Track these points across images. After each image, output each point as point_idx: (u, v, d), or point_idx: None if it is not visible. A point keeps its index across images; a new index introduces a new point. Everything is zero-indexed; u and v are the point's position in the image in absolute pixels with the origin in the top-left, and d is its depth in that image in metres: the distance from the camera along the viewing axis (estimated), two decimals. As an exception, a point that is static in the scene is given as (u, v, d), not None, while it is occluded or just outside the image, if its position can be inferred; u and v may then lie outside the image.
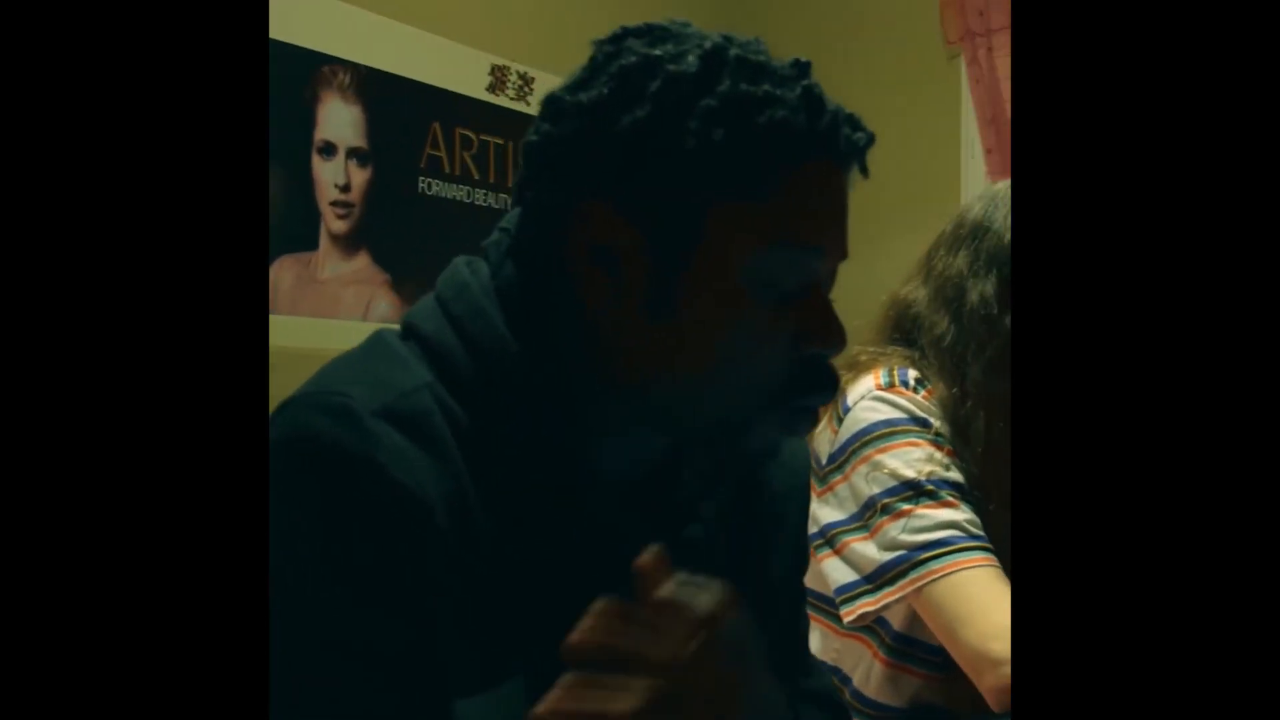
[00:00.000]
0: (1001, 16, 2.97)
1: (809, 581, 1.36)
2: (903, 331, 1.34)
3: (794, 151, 0.69)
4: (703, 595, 0.60)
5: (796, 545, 0.94)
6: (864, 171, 0.75)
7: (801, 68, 0.71)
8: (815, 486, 1.35)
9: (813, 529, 1.32)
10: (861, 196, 0.76)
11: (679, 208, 0.69)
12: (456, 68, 3.15)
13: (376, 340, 0.75)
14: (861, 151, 0.73)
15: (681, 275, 0.69)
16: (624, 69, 0.70)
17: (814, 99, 0.70)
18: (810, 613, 1.38)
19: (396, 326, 0.77)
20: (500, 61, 3.22)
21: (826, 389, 0.73)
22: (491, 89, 3.22)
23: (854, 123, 0.72)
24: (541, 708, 0.54)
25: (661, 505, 0.77)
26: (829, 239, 0.72)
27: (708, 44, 0.70)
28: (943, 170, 3.39)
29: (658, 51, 0.70)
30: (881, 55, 3.46)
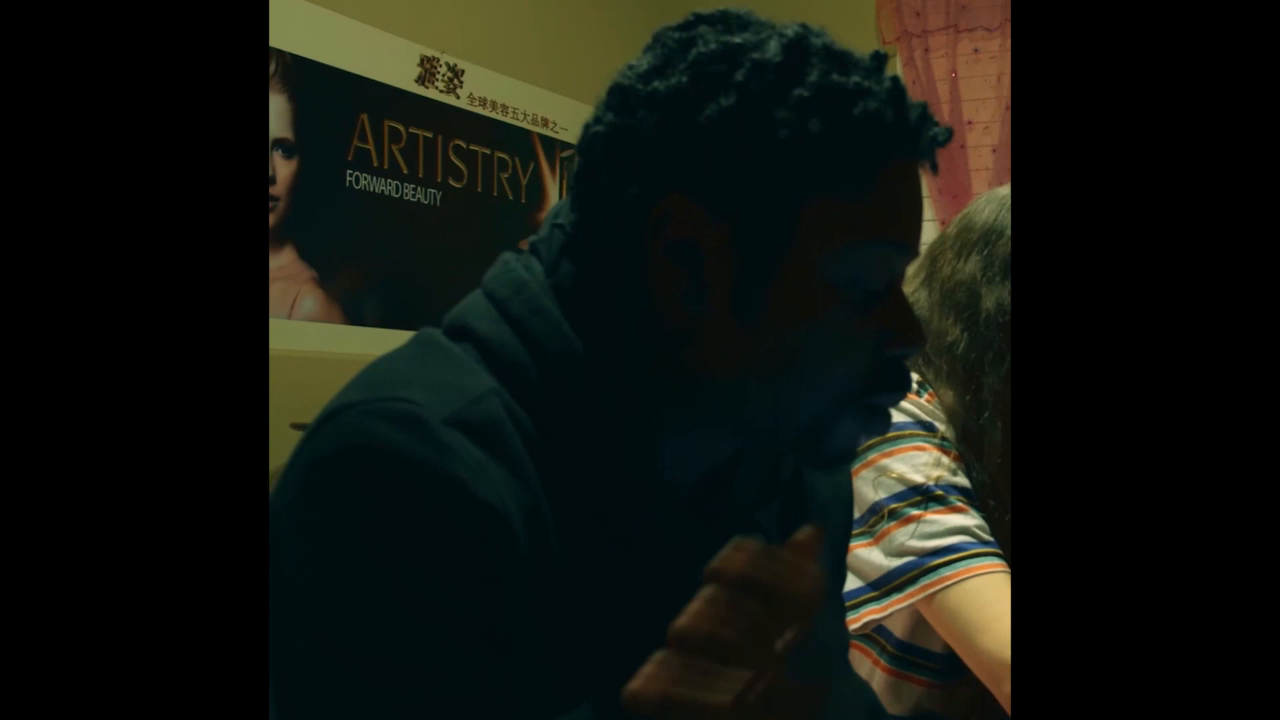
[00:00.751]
0: (939, 17, 3.00)
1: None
2: None
3: (885, 145, 0.67)
4: (802, 584, 0.57)
5: (839, 554, 0.92)
6: (934, 168, 0.73)
7: (881, 60, 0.69)
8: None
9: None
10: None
11: (770, 202, 0.66)
12: (385, 58, 3.09)
13: (427, 341, 0.70)
14: (937, 147, 0.71)
15: (771, 274, 0.67)
16: (702, 56, 0.66)
17: (900, 92, 0.68)
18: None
19: (437, 328, 0.73)
20: (430, 53, 3.15)
21: (902, 388, 0.71)
22: (421, 80, 3.16)
23: (933, 118, 0.71)
24: (636, 684, 0.52)
25: (722, 514, 0.74)
26: (913, 236, 0.71)
27: (790, 32, 0.68)
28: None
29: (737, 39, 0.67)
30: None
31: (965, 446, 1.21)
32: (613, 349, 0.68)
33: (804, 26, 0.69)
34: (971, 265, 1.22)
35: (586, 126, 0.71)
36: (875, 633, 1.27)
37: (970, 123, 3.36)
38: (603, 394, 0.67)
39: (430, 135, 3.19)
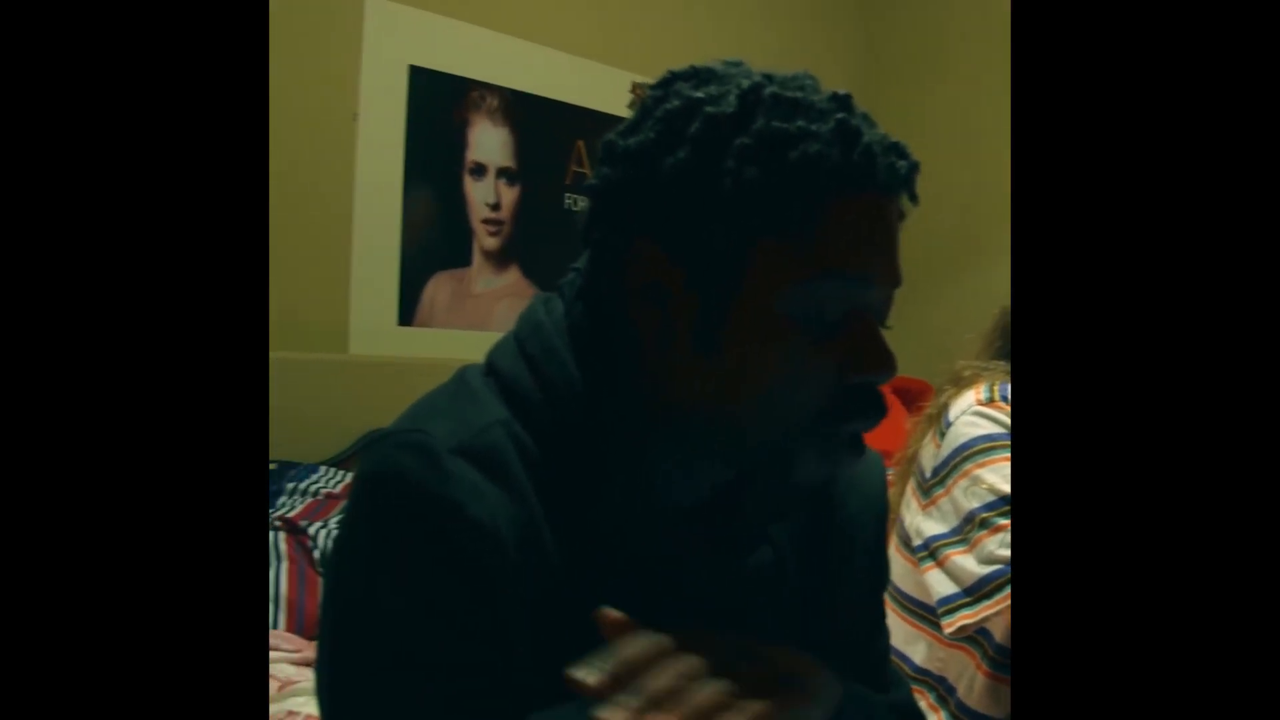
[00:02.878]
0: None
1: (914, 592, 1.40)
2: (1009, 345, 1.35)
3: (829, 185, 0.69)
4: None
5: (873, 564, 0.94)
6: (913, 199, 0.75)
7: (840, 101, 0.71)
8: (919, 499, 1.37)
9: (917, 541, 1.35)
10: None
11: (720, 245, 0.70)
12: (598, 86, 3.26)
13: (461, 378, 0.79)
14: (905, 179, 0.72)
15: (726, 309, 0.71)
16: (668, 113, 0.72)
17: (849, 131, 0.69)
18: (916, 623, 1.41)
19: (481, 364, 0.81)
20: (640, 79, 3.31)
21: (872, 415, 0.74)
22: (632, 105, 3.31)
23: (898, 151, 0.72)
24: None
25: (727, 531, 0.79)
26: (875, 267, 0.72)
27: (746, 83, 0.71)
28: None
29: (700, 94, 0.71)
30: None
31: None
32: (611, 382, 0.74)
33: (766, 76, 0.72)
34: None
35: (586, 179, 0.78)
36: (976, 636, 1.30)
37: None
38: (601, 423, 0.74)
39: (642, 156, 3.35)
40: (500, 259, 3.07)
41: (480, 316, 3.03)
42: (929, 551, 1.31)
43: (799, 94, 0.71)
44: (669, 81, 0.75)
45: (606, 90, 3.28)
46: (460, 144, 2.98)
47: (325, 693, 0.73)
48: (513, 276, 3.09)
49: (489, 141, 3.03)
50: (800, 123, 0.69)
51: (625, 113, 3.15)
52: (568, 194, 3.20)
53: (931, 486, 1.32)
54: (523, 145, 3.09)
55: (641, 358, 0.75)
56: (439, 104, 2.92)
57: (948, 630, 1.25)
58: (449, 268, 2.98)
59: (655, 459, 0.74)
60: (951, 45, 3.88)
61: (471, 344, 2.97)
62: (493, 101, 3.03)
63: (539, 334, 0.77)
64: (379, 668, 0.69)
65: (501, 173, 3.06)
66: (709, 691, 0.63)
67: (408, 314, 2.90)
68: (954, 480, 1.28)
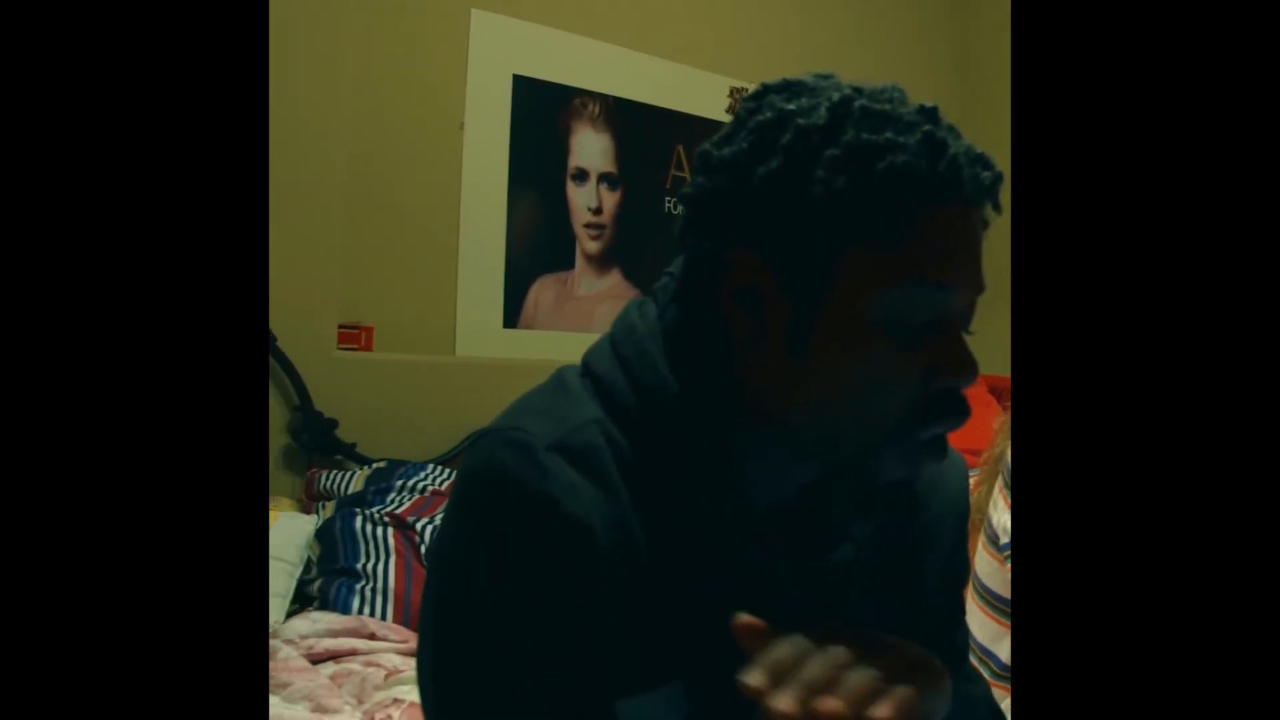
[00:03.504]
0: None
1: (1001, 589, 1.40)
2: None
3: (916, 195, 0.71)
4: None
5: (952, 562, 0.96)
6: (996, 209, 0.77)
7: (927, 113, 0.73)
8: (1006, 497, 1.37)
9: (1004, 539, 1.35)
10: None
11: (811, 253, 0.72)
12: (696, 92, 3.31)
13: (559, 378, 0.82)
14: (989, 190, 0.74)
15: (817, 314, 0.73)
16: (761, 124, 0.74)
17: (935, 143, 0.71)
18: (1003, 620, 1.41)
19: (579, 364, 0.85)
20: (738, 83, 3.35)
21: (954, 418, 0.76)
22: (731, 110, 3.34)
23: (983, 162, 0.74)
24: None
25: (812, 528, 0.81)
26: (960, 276, 0.74)
27: (837, 96, 0.73)
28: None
29: (792, 106, 0.73)
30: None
31: None
32: (702, 384, 0.76)
33: (856, 89, 0.74)
34: None
35: (681, 187, 0.82)
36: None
37: None
38: (692, 424, 0.77)
39: (741, 160, 3.38)
40: (602, 262, 3.13)
41: (582, 319, 3.10)
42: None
43: (887, 106, 0.73)
44: (762, 94, 0.77)
45: (705, 96, 3.32)
46: (563, 150, 3.05)
47: (427, 681, 0.77)
48: (614, 279, 3.15)
49: (590, 147, 3.09)
50: (888, 135, 0.71)
51: (724, 117, 3.20)
52: (668, 198, 3.24)
53: (1019, 485, 1.32)
54: (623, 151, 3.15)
55: (733, 360, 0.77)
56: (542, 111, 3.00)
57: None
58: (552, 271, 3.05)
59: (744, 459, 0.77)
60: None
61: (574, 346, 2.99)
62: (594, 108, 3.09)
63: (633, 337, 0.79)
64: (477, 657, 0.73)
65: (603, 178, 3.12)
66: (861, 678, 0.65)
67: (512, 316, 2.98)
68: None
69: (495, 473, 0.74)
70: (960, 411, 0.76)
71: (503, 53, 2.93)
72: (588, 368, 0.82)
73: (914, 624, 0.88)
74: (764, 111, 0.75)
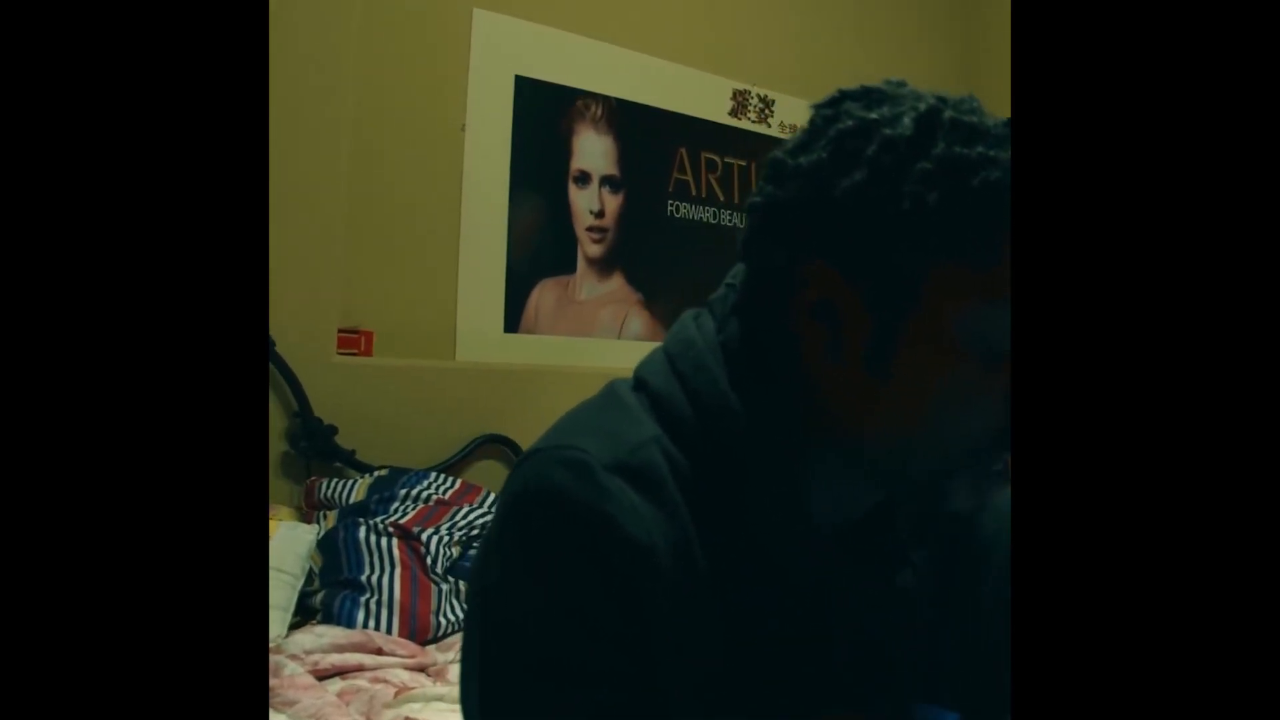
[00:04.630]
0: None
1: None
2: None
3: (1008, 213, 0.67)
4: None
5: (1004, 585, 0.95)
6: None
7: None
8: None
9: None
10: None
11: (897, 268, 0.70)
12: (700, 94, 3.27)
13: (611, 393, 0.79)
14: None
15: (900, 332, 0.70)
16: (841, 133, 0.71)
17: None
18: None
19: (629, 378, 0.81)
20: (741, 86, 3.32)
21: None
22: (734, 113, 3.33)
23: None
24: None
25: (875, 552, 0.80)
26: None
27: (923, 106, 0.71)
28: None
29: (874, 115, 0.71)
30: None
31: None
32: (766, 401, 0.73)
33: (940, 98, 0.72)
34: None
35: (749, 196, 0.77)
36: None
37: None
38: (754, 442, 0.74)
39: (744, 163, 3.35)
40: (604, 266, 3.09)
41: (584, 323, 3.06)
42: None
43: (974, 118, 0.71)
44: (838, 100, 0.74)
45: (709, 98, 3.29)
46: (565, 153, 3.02)
47: (475, 702, 0.74)
48: (616, 283, 3.12)
49: (593, 150, 3.06)
50: (980, 149, 0.69)
51: (728, 120, 3.17)
52: (670, 201, 3.21)
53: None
54: (626, 153, 3.12)
55: (802, 377, 0.74)
56: (544, 113, 2.96)
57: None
58: (554, 275, 3.01)
59: (809, 478, 0.74)
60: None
61: (575, 350, 3.01)
62: (597, 110, 3.05)
63: (691, 350, 0.76)
64: (530, 679, 0.70)
65: (605, 180, 3.09)
66: None
67: (513, 321, 2.95)
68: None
69: (552, 494, 0.70)
70: None
71: (505, 53, 2.89)
72: (641, 382, 0.78)
73: (967, 650, 0.86)
74: (843, 120, 0.72)
